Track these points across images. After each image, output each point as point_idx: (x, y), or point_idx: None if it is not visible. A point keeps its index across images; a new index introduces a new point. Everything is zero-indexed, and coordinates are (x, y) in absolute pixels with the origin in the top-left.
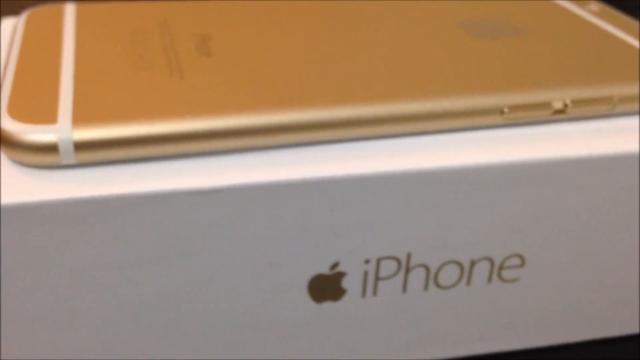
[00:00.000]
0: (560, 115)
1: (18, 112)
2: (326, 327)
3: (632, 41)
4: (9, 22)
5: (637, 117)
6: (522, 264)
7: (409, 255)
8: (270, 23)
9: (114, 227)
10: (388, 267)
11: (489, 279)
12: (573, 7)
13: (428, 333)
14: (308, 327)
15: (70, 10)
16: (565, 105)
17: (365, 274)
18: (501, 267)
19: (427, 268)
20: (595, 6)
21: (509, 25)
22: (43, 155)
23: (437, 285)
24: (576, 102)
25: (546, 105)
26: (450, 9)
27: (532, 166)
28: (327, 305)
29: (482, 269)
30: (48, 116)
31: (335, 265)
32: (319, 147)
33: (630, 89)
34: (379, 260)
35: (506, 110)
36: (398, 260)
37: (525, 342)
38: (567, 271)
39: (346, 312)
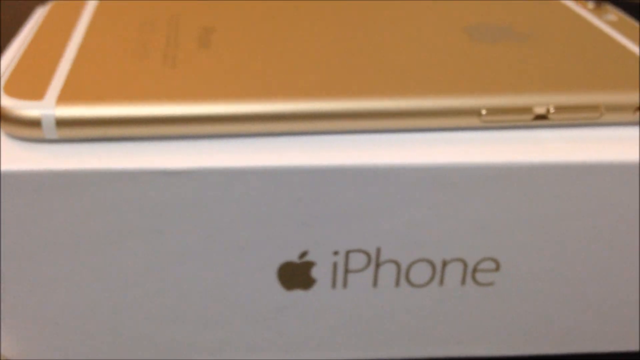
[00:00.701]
0: (543, 121)
1: (14, 89)
2: (296, 315)
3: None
4: (41, 11)
5: (627, 127)
6: (497, 268)
7: (378, 250)
8: (277, 19)
9: (87, 201)
10: (357, 260)
11: (463, 281)
12: (588, 15)
13: (399, 331)
14: (278, 313)
15: (92, 2)
16: (548, 111)
17: (335, 265)
18: (475, 270)
19: (397, 264)
20: (613, 15)
21: (515, 30)
22: (29, 129)
23: (409, 282)
24: (559, 109)
25: (526, 109)
26: (460, 12)
27: (507, 170)
28: (298, 293)
29: (454, 270)
30: (37, 94)
31: (304, 254)
32: (290, 138)
33: (618, 98)
34: (348, 253)
35: (484, 112)
36: (368, 254)
37: (502, 349)
38: (544, 280)
39: (316, 302)
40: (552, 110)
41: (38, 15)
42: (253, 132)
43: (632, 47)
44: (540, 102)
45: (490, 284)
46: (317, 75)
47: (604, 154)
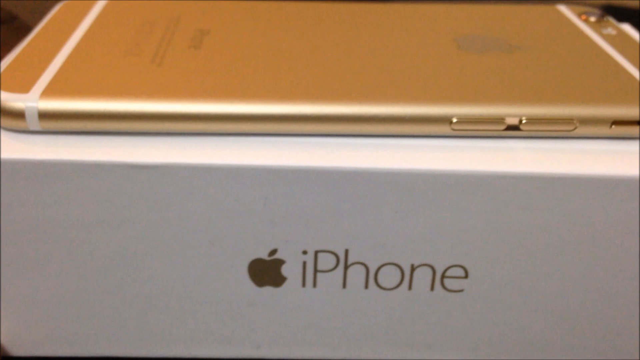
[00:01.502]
0: (515, 131)
1: (7, 83)
2: (268, 311)
3: (632, 69)
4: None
5: (605, 141)
6: (466, 275)
7: (346, 252)
8: (270, 25)
9: (61, 191)
10: (326, 260)
11: (432, 287)
12: (586, 29)
13: (369, 333)
14: (250, 308)
15: (101, 3)
16: (520, 122)
17: (304, 264)
18: (444, 276)
19: (366, 267)
20: (612, 30)
21: (508, 42)
22: (15, 121)
23: (378, 285)
24: (531, 120)
25: (498, 120)
26: (457, 22)
27: (475, 178)
28: (269, 290)
29: (423, 275)
30: (25, 87)
31: (273, 252)
32: (260, 138)
33: (593, 112)
34: (316, 253)
35: (455, 120)
36: (336, 255)
37: (472, 355)
38: (514, 289)
39: (287, 300)
40: (524, 121)
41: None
42: (223, 131)
43: (623, 62)
44: (513, 113)
45: (459, 290)
46: (294, 79)
47: (573, 167)
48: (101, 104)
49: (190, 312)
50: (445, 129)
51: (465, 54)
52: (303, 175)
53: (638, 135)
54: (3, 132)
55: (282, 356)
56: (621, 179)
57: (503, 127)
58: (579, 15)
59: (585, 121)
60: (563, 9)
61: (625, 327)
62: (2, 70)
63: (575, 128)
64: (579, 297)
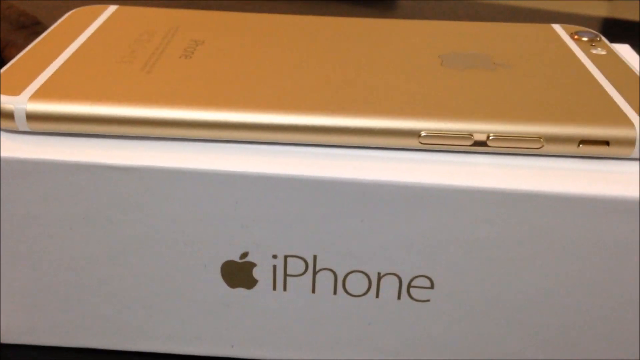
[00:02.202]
0: (483, 147)
1: (4, 85)
2: (241, 312)
3: (611, 90)
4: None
5: (575, 159)
6: (432, 286)
7: (315, 258)
8: (264, 37)
9: (47, 188)
10: (296, 265)
11: (399, 296)
12: (575, 49)
13: (338, 337)
14: (224, 308)
15: (109, 10)
16: (488, 138)
17: (274, 268)
18: (410, 286)
19: (334, 273)
20: (603, 50)
21: (492, 60)
22: (6, 121)
23: (346, 292)
24: (498, 137)
25: (465, 135)
26: (447, 38)
27: (440, 191)
28: (241, 291)
29: (390, 283)
30: (17, 90)
31: (244, 254)
32: (233, 144)
33: (560, 131)
34: (286, 257)
35: (423, 134)
36: (305, 261)
37: None
38: (478, 302)
39: (258, 302)
40: (491, 137)
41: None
42: (198, 137)
43: (603, 82)
44: (480, 129)
45: (426, 300)
46: (271, 90)
47: (537, 184)
48: (85, 107)
49: (166, 309)
50: (413, 142)
51: (445, 71)
52: (272, 182)
53: (608, 155)
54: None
55: (255, 356)
56: (583, 198)
57: (470, 142)
58: (572, 34)
59: (551, 139)
60: (557, 28)
61: (590, 336)
62: (1, 72)
63: (542, 146)
64: (542, 310)
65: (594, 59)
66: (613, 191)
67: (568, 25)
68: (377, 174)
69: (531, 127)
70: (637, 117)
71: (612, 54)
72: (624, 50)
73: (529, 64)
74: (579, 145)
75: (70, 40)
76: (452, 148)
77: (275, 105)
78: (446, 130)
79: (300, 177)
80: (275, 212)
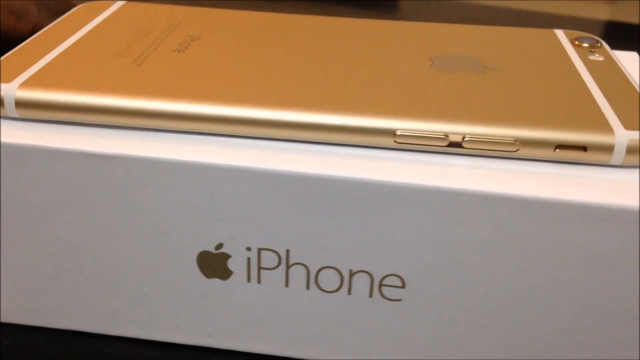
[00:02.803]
0: (459, 148)
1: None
2: (217, 303)
3: (598, 96)
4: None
5: (553, 164)
6: (403, 285)
7: (288, 252)
8: (259, 35)
9: (31, 173)
10: (269, 258)
11: (370, 294)
12: (572, 54)
13: (310, 333)
14: (201, 298)
15: (115, 6)
16: (463, 139)
17: (249, 260)
18: (382, 284)
19: (307, 268)
20: (601, 56)
21: (483, 63)
22: None
23: (319, 287)
24: (473, 138)
25: (440, 135)
26: (440, 41)
27: (411, 190)
28: (217, 282)
29: (361, 281)
30: (10, 78)
31: (219, 245)
32: (211, 137)
33: (535, 135)
34: (259, 250)
35: (398, 133)
36: (278, 255)
37: None
38: (450, 303)
39: (234, 293)
40: (466, 139)
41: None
42: (177, 129)
43: (592, 88)
44: (455, 130)
45: (397, 300)
46: (253, 85)
47: (509, 187)
48: (70, 96)
49: (145, 295)
50: (389, 141)
51: (433, 72)
52: (246, 175)
53: (586, 161)
54: None
55: (230, 347)
56: (555, 203)
57: (446, 143)
58: (572, 40)
59: (527, 143)
60: (559, 33)
61: (558, 342)
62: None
63: (517, 149)
64: (512, 314)
65: (590, 65)
66: (587, 198)
67: (570, 31)
68: (349, 171)
69: (506, 130)
70: (619, 124)
71: (610, 61)
72: (630, 58)
73: (520, 68)
74: (555, 150)
75: (71, 33)
76: (427, 148)
77: (252, 99)
78: (421, 130)
79: (273, 171)
80: (249, 205)
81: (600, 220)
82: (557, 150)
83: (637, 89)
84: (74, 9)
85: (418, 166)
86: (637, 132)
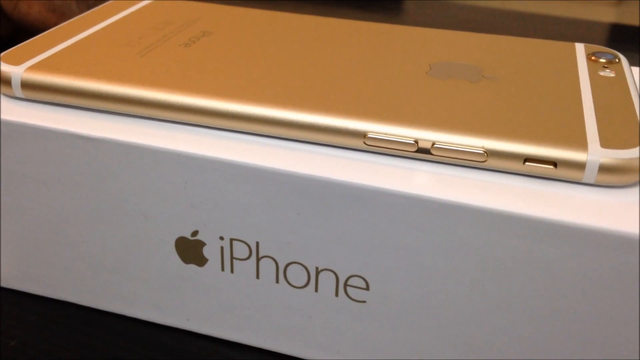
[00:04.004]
0: (428, 155)
1: (11, 56)
2: (193, 287)
3: (589, 113)
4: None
5: (523, 177)
6: (367, 287)
7: (257, 244)
8: (267, 33)
9: (28, 149)
10: (241, 249)
11: (336, 293)
12: (582, 69)
13: (280, 326)
14: (179, 281)
15: (144, 2)
16: (432, 146)
17: (222, 249)
18: (347, 284)
19: (275, 262)
20: (612, 72)
21: (484, 72)
22: (6, 88)
23: (288, 282)
24: (442, 145)
25: (409, 141)
26: (447, 48)
27: (373, 193)
28: (193, 268)
29: (327, 279)
30: (20, 61)
31: (195, 233)
32: (190, 128)
33: (504, 146)
34: (232, 241)
35: (368, 135)
36: (249, 246)
37: None
38: (412, 309)
39: (209, 280)
40: (435, 146)
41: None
42: (159, 117)
43: (585, 105)
44: (425, 136)
45: (362, 301)
46: (235, 80)
47: (470, 197)
48: (67, 81)
49: (127, 274)
50: (359, 143)
51: (426, 78)
52: (216, 166)
53: (556, 177)
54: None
55: (208, 332)
56: (515, 217)
57: (414, 149)
58: (589, 54)
59: (495, 154)
60: (579, 47)
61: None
62: (12, 49)
63: (486, 160)
64: (472, 322)
65: (596, 80)
66: (548, 214)
67: (591, 45)
68: (314, 169)
69: (475, 140)
70: (597, 141)
71: (621, 78)
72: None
73: (519, 80)
74: (524, 163)
75: (90, 25)
76: (397, 153)
77: (229, 93)
78: (390, 134)
79: (240, 164)
80: (220, 196)
81: (559, 238)
82: (527, 163)
83: (637, 108)
84: (103, 4)
85: (385, 169)
86: (615, 151)
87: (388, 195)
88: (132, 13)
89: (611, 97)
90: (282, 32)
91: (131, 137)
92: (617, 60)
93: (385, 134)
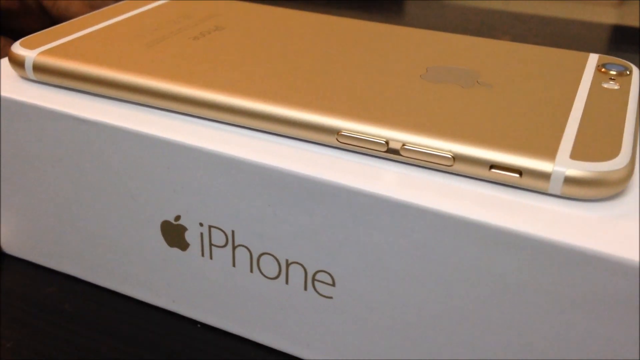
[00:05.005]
0: (397, 156)
1: (28, 43)
2: (177, 270)
3: (572, 125)
4: None
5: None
6: (333, 283)
7: (233, 233)
8: (278, 30)
9: (34, 127)
10: (218, 237)
11: (305, 287)
12: (585, 80)
13: (253, 314)
14: (164, 263)
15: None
16: (402, 147)
17: (202, 235)
18: (314, 279)
19: (249, 251)
20: (617, 84)
21: (478, 78)
22: (19, 70)
23: (261, 272)
24: (410, 147)
25: (380, 140)
26: (450, 52)
27: (338, 190)
28: (177, 251)
29: (297, 273)
30: (35, 47)
31: (178, 217)
32: (178, 116)
33: (470, 151)
34: (210, 227)
35: (342, 132)
36: (225, 234)
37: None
38: (375, 307)
39: (191, 264)
40: (404, 147)
41: None
42: (151, 104)
43: (574, 115)
44: (394, 137)
45: (329, 297)
46: (227, 72)
47: (430, 201)
48: (73, 65)
49: (121, 252)
50: (332, 140)
51: (417, 81)
52: (195, 153)
53: (522, 186)
54: (15, 78)
55: (191, 315)
56: (468, 222)
57: (384, 149)
58: (599, 65)
59: (461, 158)
60: (592, 57)
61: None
62: (33, 35)
63: (452, 164)
64: (434, 325)
65: (596, 92)
66: (504, 222)
67: (605, 56)
68: (284, 163)
69: (442, 143)
70: (568, 153)
71: (624, 92)
72: None
73: (513, 88)
74: (490, 169)
75: (112, 17)
76: (368, 152)
77: (215, 85)
78: (362, 133)
79: (216, 153)
80: (199, 183)
81: (513, 247)
82: (492, 170)
83: (628, 124)
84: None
85: (354, 168)
86: (583, 163)
87: (351, 193)
88: (157, 6)
89: (604, 110)
90: (289, 29)
91: (121, 121)
92: (627, 73)
93: (357, 132)
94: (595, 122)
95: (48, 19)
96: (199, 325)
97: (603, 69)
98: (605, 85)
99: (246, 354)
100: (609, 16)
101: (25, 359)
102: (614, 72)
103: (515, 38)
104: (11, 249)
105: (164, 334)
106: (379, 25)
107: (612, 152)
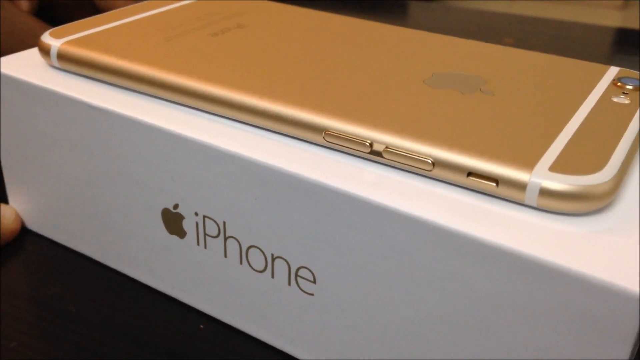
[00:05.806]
0: (379, 157)
1: (57, 33)
2: (176, 257)
3: (565, 138)
4: None
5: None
6: (314, 280)
7: (224, 224)
8: (296, 30)
9: (54, 112)
10: (211, 227)
11: (289, 282)
12: (596, 93)
13: (242, 305)
14: (163, 250)
15: None
16: (384, 149)
17: (197, 225)
18: (297, 275)
19: (239, 243)
20: (628, 99)
21: (481, 86)
22: (46, 57)
23: (249, 264)
24: (392, 149)
25: (363, 141)
26: (461, 58)
27: (319, 189)
28: (175, 239)
29: (281, 268)
30: (61, 36)
31: (176, 206)
32: (180, 107)
33: (448, 157)
34: (204, 217)
35: (328, 131)
36: (217, 225)
37: (320, 356)
38: (354, 308)
39: (187, 252)
40: (387, 149)
41: None
42: (157, 95)
43: (570, 128)
44: (377, 139)
45: (311, 294)
46: (229, 68)
47: (406, 205)
48: (93, 55)
49: (125, 236)
50: (319, 138)
51: (418, 85)
52: (190, 144)
53: (499, 195)
54: (45, 67)
55: (189, 302)
56: (439, 228)
57: (367, 150)
58: (615, 79)
59: (440, 163)
60: (611, 70)
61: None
62: (62, 25)
63: (432, 169)
64: (410, 331)
65: (602, 106)
66: (474, 231)
67: (626, 70)
68: (270, 158)
69: (422, 147)
70: (547, 165)
71: (633, 107)
72: None
73: (516, 97)
74: (467, 176)
75: (141, 12)
76: (353, 152)
77: (216, 79)
78: (346, 133)
79: (208, 145)
80: (194, 174)
81: (482, 256)
82: (470, 177)
83: (624, 139)
84: None
85: (337, 167)
86: (562, 176)
87: (331, 192)
88: (187, 4)
89: (604, 124)
90: (305, 29)
91: (127, 110)
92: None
93: (342, 132)
94: (590, 135)
95: (96, 11)
96: (201, 327)
97: (619, 83)
98: (615, 99)
99: (250, 355)
100: (612, 19)
101: (29, 359)
102: (629, 87)
103: (518, 40)
104: (33, 226)
105: (168, 336)
106: (393, 28)
107: (595, 166)
